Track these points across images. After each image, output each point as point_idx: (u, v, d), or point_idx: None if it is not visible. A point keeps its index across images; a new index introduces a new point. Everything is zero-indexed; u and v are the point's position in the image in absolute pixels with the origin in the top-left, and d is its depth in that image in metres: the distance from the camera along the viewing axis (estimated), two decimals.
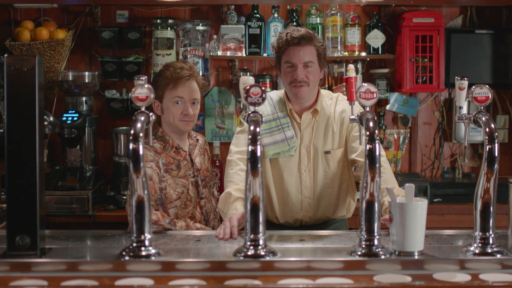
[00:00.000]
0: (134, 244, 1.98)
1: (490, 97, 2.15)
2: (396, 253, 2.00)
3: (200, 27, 3.99)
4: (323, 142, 2.80)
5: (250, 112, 2.06)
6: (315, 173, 2.81)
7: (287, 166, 2.81)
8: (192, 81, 2.74)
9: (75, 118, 3.76)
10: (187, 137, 2.84)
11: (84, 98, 3.91)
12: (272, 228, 2.79)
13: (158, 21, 4.02)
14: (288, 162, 2.80)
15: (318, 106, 2.80)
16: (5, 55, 2.03)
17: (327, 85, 4.11)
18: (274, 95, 2.90)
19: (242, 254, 1.98)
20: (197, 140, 2.90)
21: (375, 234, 2.00)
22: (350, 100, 2.32)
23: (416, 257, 1.99)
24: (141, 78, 2.13)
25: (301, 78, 2.70)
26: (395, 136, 4.30)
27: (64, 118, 3.75)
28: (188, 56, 3.94)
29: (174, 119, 2.72)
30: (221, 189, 3.73)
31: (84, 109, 3.91)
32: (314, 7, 4.06)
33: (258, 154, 1.95)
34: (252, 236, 1.98)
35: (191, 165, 2.77)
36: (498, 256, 2.00)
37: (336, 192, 2.84)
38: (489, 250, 2.02)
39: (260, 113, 2.08)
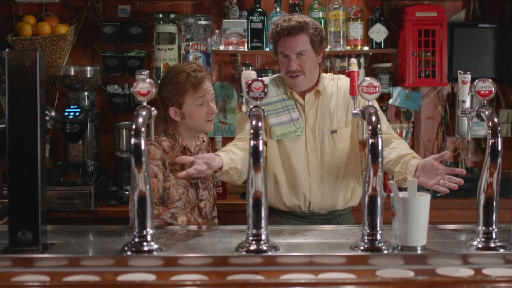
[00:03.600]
0: (136, 239, 1.98)
1: (493, 91, 2.13)
2: (399, 247, 2.00)
3: (202, 22, 3.97)
4: (329, 122, 2.81)
5: (252, 107, 2.05)
6: (322, 153, 2.81)
7: (294, 148, 2.81)
8: (208, 80, 2.68)
9: (77, 113, 3.76)
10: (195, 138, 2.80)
11: (86, 93, 3.90)
12: (280, 216, 2.83)
13: (160, 15, 4.00)
14: (294, 143, 2.81)
15: (320, 87, 2.81)
16: (7, 50, 2.01)
17: None
18: (278, 77, 2.91)
19: (244, 249, 1.97)
20: (203, 141, 2.85)
21: (378, 228, 1.99)
22: (353, 94, 2.31)
23: (419, 251, 1.98)
24: (143, 72, 2.12)
25: (295, 68, 2.71)
26: (398, 130, 4.28)
27: (66, 113, 3.74)
28: (190, 51, 3.93)
29: (200, 121, 2.66)
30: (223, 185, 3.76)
31: (86, 104, 3.91)
32: (316, 1, 4.04)
33: (260, 148, 1.93)
34: (254, 231, 1.97)
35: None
36: (501, 250, 2.00)
37: (343, 172, 2.84)
38: (492, 245, 2.01)
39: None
